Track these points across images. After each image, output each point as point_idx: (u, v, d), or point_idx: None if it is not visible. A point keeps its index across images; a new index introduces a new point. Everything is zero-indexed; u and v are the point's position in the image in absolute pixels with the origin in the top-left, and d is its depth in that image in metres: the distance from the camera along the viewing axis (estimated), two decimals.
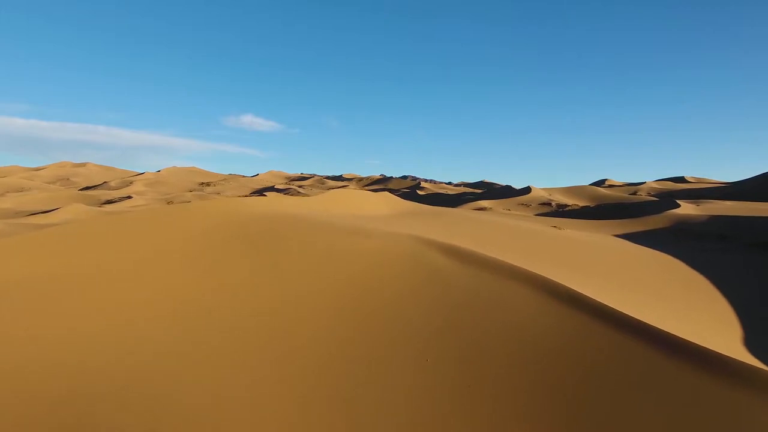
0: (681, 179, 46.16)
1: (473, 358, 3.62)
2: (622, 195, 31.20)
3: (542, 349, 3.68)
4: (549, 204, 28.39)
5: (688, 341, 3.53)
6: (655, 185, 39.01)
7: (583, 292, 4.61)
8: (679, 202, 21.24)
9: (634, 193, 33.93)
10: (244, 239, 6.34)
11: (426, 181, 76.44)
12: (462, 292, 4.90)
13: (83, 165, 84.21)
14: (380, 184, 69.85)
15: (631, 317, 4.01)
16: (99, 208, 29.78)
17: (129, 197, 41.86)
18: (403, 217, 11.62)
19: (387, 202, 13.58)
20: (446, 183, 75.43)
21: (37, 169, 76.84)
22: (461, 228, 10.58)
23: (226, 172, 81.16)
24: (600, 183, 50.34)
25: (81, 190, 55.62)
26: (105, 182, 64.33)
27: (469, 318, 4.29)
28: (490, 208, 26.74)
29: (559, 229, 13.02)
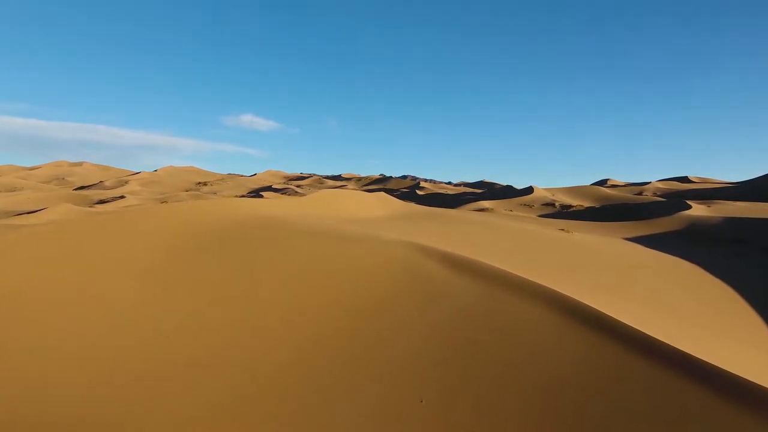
0: (685, 179, 45.27)
1: (471, 384, 3.14)
2: (627, 195, 30.34)
3: (552, 372, 3.19)
4: (552, 204, 27.54)
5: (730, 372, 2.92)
6: (661, 185, 38.09)
7: (608, 313, 3.88)
8: (689, 203, 20.41)
9: (640, 194, 33.06)
10: (217, 248, 5.51)
11: (425, 180, 75.62)
12: (461, 308, 4.18)
13: (80, 164, 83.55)
14: (379, 183, 69.05)
15: (660, 341, 3.35)
16: (89, 209, 28.94)
17: (122, 197, 41.04)
18: (398, 219, 10.79)
19: (382, 202, 12.73)
20: (446, 183, 74.58)
21: (32, 169, 76.15)
22: (461, 231, 9.75)
23: (226, 172, 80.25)
24: (602, 183, 49.48)
25: (75, 189, 54.83)
26: (100, 182, 63.51)
27: (469, 337, 3.64)
28: (492, 209, 25.90)
29: (567, 232, 12.18)
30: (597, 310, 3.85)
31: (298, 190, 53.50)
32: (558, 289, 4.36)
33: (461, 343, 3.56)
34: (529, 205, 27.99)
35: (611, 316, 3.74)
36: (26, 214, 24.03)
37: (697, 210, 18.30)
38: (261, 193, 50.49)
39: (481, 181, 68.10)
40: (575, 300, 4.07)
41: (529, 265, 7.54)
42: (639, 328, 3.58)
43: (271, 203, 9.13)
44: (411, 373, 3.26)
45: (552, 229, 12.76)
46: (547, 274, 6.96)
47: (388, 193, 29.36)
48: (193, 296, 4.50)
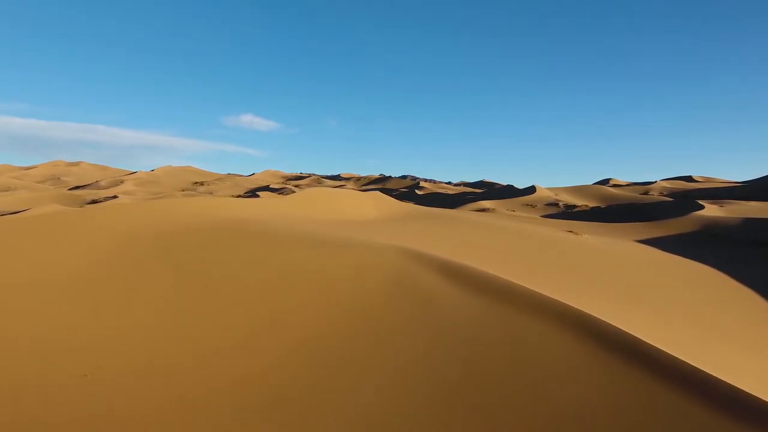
0: (689, 178, 44.23)
1: (469, 408, 2.51)
2: (633, 195, 29.38)
3: (564, 400, 2.58)
4: (556, 204, 26.59)
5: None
6: (667, 184, 37.07)
7: (634, 333, 3.13)
8: (701, 202, 19.48)
9: (646, 193, 32.08)
10: (165, 256, 4.61)
11: (425, 180, 74.72)
12: (459, 328, 3.45)
13: (77, 164, 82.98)
14: (378, 183, 68.21)
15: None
16: (78, 209, 28.02)
17: (115, 197, 40.15)
18: (393, 220, 9.88)
19: (377, 203, 11.81)
20: (446, 183, 73.63)
21: (28, 168, 75.53)
22: (462, 234, 8.84)
23: (226, 172, 79.31)
24: (604, 182, 48.48)
25: (70, 189, 54.05)
26: (96, 182, 62.74)
27: (468, 362, 2.97)
28: (493, 209, 24.97)
29: (576, 234, 11.27)
30: (626, 333, 3.14)
31: (296, 190, 52.62)
32: (575, 305, 3.62)
33: (458, 371, 2.88)
34: (531, 205, 27.05)
35: (642, 339, 3.03)
36: (9, 215, 23.17)
37: (711, 210, 17.37)
38: (257, 192, 49.66)
39: (481, 180, 67.06)
40: (597, 319, 3.35)
41: (538, 272, 6.71)
42: (685, 360, 2.80)
43: (248, 203, 8.23)
44: (394, 404, 2.58)
45: (559, 231, 11.86)
46: (560, 283, 6.15)
47: (386, 193, 28.46)
48: (126, 315, 3.63)
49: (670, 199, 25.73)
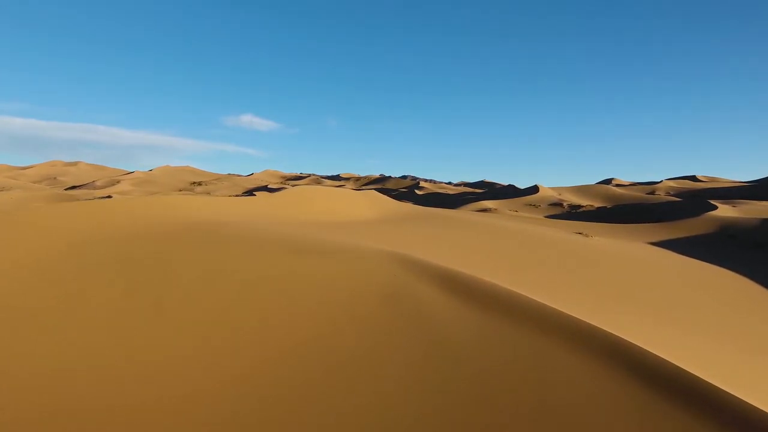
0: (693, 178, 43.44)
1: None
2: (640, 195, 28.62)
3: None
4: (560, 205, 25.84)
5: None
6: (674, 184, 36.29)
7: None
8: (713, 202, 18.72)
9: (652, 193, 31.32)
10: (124, 262, 3.90)
11: (425, 180, 73.98)
12: (465, 351, 2.86)
13: (74, 164, 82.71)
14: (378, 183, 67.56)
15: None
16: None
17: (109, 197, 39.53)
18: (388, 222, 9.13)
19: (372, 202, 11.07)
20: (446, 183, 72.85)
21: (25, 168, 75.17)
22: (462, 237, 8.11)
23: (225, 172, 78.62)
24: (607, 182, 47.71)
25: (66, 189, 53.52)
26: (93, 181, 62.25)
27: (478, 381, 2.52)
28: (496, 210, 24.22)
29: (586, 236, 10.52)
30: (668, 362, 2.52)
31: None
32: (598, 324, 3.00)
33: (456, 384, 2.48)
34: (534, 205, 26.30)
35: (688, 370, 2.42)
36: None
37: (724, 210, 16.62)
38: (255, 192, 49.04)
39: (482, 180, 66.27)
40: (624, 340, 2.75)
41: (543, 276, 6.02)
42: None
43: (230, 202, 7.50)
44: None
45: (567, 233, 11.12)
46: (568, 290, 5.46)
47: (386, 193, 27.72)
48: (61, 336, 2.93)
49: (679, 199, 24.97)
